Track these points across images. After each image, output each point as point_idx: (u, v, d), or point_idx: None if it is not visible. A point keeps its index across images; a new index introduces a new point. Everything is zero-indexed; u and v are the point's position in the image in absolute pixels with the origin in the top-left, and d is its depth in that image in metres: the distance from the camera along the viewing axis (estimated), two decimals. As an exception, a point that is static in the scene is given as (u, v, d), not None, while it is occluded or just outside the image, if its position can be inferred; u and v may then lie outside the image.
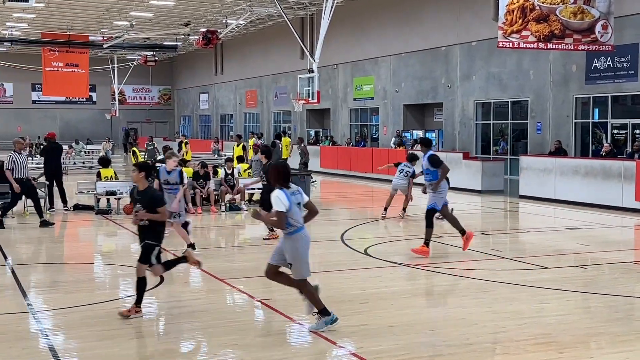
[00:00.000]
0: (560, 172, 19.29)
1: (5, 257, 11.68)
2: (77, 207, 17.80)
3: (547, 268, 10.63)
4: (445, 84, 29.18)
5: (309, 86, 23.35)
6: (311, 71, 23.21)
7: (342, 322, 7.59)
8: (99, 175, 18.50)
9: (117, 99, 51.58)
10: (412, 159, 16.74)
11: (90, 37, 41.40)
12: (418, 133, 30.79)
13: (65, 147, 33.96)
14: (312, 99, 23.24)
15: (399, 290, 9.23)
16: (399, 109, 32.17)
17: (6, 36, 40.28)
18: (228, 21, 36.79)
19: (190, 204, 17.12)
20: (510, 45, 19.47)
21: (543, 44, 19.32)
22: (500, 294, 9.02)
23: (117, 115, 51.82)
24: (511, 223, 17.55)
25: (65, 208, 17.59)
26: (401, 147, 28.57)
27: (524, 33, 18.99)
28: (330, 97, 37.01)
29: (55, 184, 17.69)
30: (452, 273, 10.27)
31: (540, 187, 19.79)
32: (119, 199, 17.29)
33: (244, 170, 19.70)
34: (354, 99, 35.69)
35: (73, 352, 6.84)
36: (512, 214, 18.69)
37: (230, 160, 20.09)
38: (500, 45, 19.38)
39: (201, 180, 17.80)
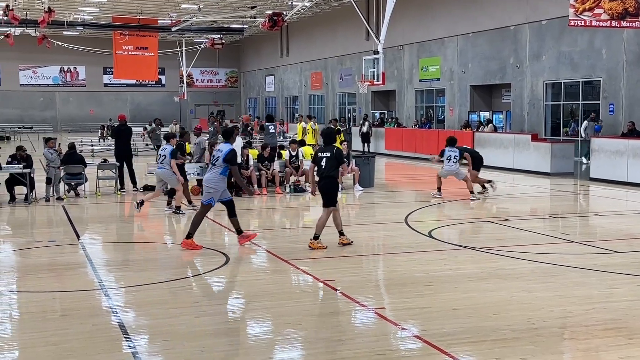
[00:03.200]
0: (633, 154, 18.68)
1: (78, 236, 12.06)
2: (147, 188, 18.20)
3: (617, 252, 10.34)
4: (514, 64, 28.56)
5: (374, 68, 23.21)
6: (376, 52, 23.05)
7: (405, 304, 7.58)
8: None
9: (185, 81, 52.38)
10: (452, 142, 16.58)
11: (159, 21, 42.11)
12: (485, 114, 30.28)
13: (139, 129, 34.81)
14: (377, 81, 23.09)
15: (464, 273, 9.13)
16: (466, 90, 31.68)
17: (78, 20, 41.35)
18: (294, 3, 36.83)
19: (255, 186, 17.39)
20: (582, 24, 18.92)
21: (616, 22, 18.70)
22: (569, 278, 8.82)
23: (186, 97, 52.68)
24: (581, 206, 17.12)
25: (135, 189, 18.02)
26: (467, 129, 28.16)
27: (596, 11, 18.42)
28: (395, 78, 36.72)
29: (125, 165, 18.14)
30: (518, 257, 10.09)
31: (612, 170, 19.22)
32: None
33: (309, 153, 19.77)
34: (420, 80, 35.31)
35: (142, 329, 7.02)
36: (583, 197, 18.22)
37: (294, 142, 20.19)
38: (572, 23, 18.85)
39: (266, 162, 17.96)
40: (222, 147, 10.76)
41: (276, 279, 9.16)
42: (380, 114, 39.06)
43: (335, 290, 8.30)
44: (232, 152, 10.65)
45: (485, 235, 12.20)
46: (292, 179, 18.25)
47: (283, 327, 6.96)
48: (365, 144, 31.64)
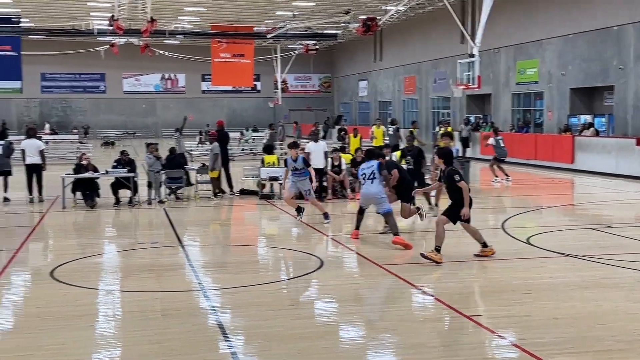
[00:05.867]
0: None
1: (179, 238, 12.43)
2: (243, 192, 18.59)
3: None
4: (617, 65, 27.47)
5: (469, 71, 22.91)
6: (472, 56, 22.73)
7: (503, 312, 7.42)
8: (262, 161, 19.21)
9: (279, 87, 53.16)
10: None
11: (255, 28, 42.92)
12: (586, 118, 29.27)
13: (236, 134, 35.65)
14: (473, 84, 22.77)
15: (564, 282, 8.85)
16: (565, 93, 30.70)
17: (179, 29, 42.69)
18: (387, 7, 36.77)
19: (348, 190, 17.45)
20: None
21: None
22: (677, 289, 8.41)
23: (280, 103, 53.43)
24: (690, 214, 16.28)
25: (232, 192, 18.41)
26: (568, 133, 27.31)
27: None
28: (491, 81, 36.01)
29: (222, 170, 18.56)
30: (622, 265, 9.70)
31: None
32: (281, 184, 17.84)
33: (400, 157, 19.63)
34: (517, 84, 34.48)
35: (240, 330, 7.16)
36: (692, 204, 17.31)
37: (388, 146, 20.10)
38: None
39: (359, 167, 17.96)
40: (370, 164, 11.89)
41: (370, 283, 9.15)
42: (476, 118, 38.41)
43: (431, 296, 8.21)
44: (381, 164, 11.91)
45: (586, 243, 11.77)
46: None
47: (378, 332, 6.94)
48: (465, 149, 31.15)
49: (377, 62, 52.13)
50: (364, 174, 11.91)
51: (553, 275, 9.21)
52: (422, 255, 9.87)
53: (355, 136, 23.87)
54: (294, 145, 14.30)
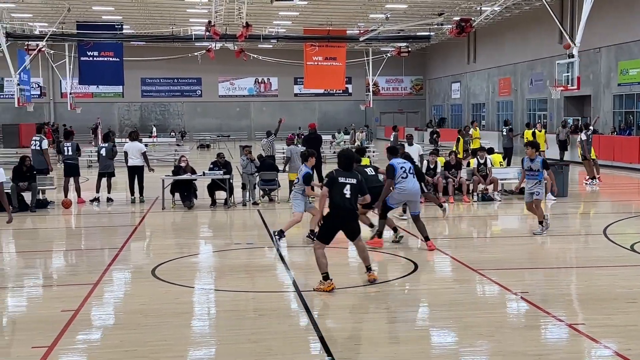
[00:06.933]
0: None
1: (273, 239, 12.58)
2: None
3: None
4: None
5: (568, 72, 22.19)
6: (571, 56, 22.02)
7: (606, 320, 7.15)
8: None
9: (371, 90, 53.14)
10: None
11: (347, 31, 43.07)
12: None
13: (328, 137, 35.91)
14: (572, 86, 22.04)
15: (672, 292, 8.45)
16: (671, 93, 29.34)
17: (273, 34, 43.34)
18: (482, 8, 36.13)
19: (440, 193, 17.25)
20: None
21: None
22: None
23: (371, 106, 53.40)
24: None
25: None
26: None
27: None
28: (591, 82, 34.80)
29: (315, 172, 18.68)
30: None
31: None
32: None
33: (499, 161, 19.30)
34: (619, 84, 33.18)
35: (335, 332, 7.19)
36: None
37: (482, 149, 19.76)
38: None
39: (453, 170, 17.76)
40: (402, 160, 11.55)
41: (465, 288, 9.00)
42: (574, 120, 37.21)
43: (529, 302, 8.01)
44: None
45: (695, 251, 11.21)
46: (480, 187, 17.88)
47: (475, 338, 6.83)
48: (563, 152, 30.27)
49: (470, 64, 51.32)
50: (404, 168, 11.28)
51: (659, 284, 8.82)
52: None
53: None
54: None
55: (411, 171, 11.37)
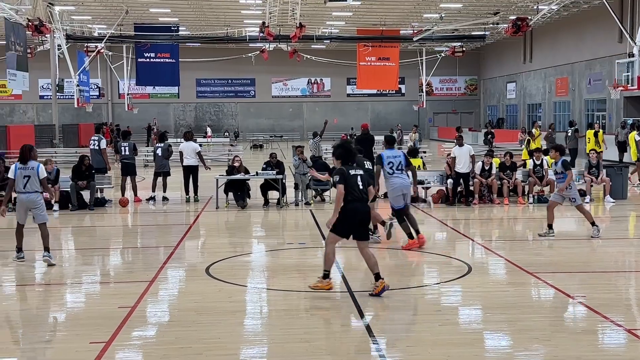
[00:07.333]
0: None
1: (324, 239, 12.59)
2: (387, 196, 18.54)
3: None
4: None
5: (628, 71, 21.68)
6: (631, 55, 21.50)
7: (667, 327, 6.96)
8: (408, 164, 19.10)
9: (424, 90, 52.78)
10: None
11: (401, 31, 42.89)
12: None
13: (380, 137, 35.76)
14: (632, 86, 21.54)
15: None
16: None
17: (326, 34, 43.47)
18: (539, 7, 35.54)
19: (495, 194, 17.04)
20: None
21: None
22: None
23: (424, 106, 53.04)
24: None
25: (377, 195, 18.43)
26: None
27: None
28: (652, 82, 33.87)
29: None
30: None
31: None
32: (426, 188, 17.70)
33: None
34: (681, 84, 32.21)
35: (387, 333, 7.15)
36: None
37: (538, 150, 19.42)
38: None
39: (508, 171, 17.51)
40: (397, 153, 11.97)
41: (520, 291, 8.86)
42: (635, 120, 36.24)
43: (587, 307, 7.84)
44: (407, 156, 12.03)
45: None
46: (536, 188, 17.59)
47: (530, 342, 6.71)
48: (622, 154, 29.53)
49: (526, 64, 50.53)
50: (392, 163, 11.64)
51: None
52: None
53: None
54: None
55: (400, 167, 11.66)
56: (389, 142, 12.25)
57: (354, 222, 8.47)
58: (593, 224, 12.26)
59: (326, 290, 8.53)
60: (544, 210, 16.33)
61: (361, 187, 8.53)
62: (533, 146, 23.30)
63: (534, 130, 26.94)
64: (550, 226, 12.44)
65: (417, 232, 11.63)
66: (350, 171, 8.56)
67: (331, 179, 10.79)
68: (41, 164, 11.02)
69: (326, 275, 8.60)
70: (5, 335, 7.40)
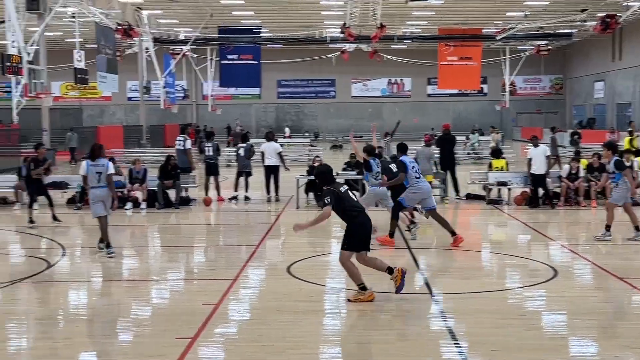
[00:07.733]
0: None
1: (405, 240, 12.53)
2: (469, 197, 18.32)
3: None
4: None
5: None
6: None
7: None
8: (490, 165, 18.79)
9: (507, 90, 51.71)
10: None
11: (483, 30, 42.17)
12: None
13: (462, 138, 35.26)
14: None
15: None
16: None
17: (407, 34, 43.19)
18: (630, 4, 34.27)
19: (581, 197, 16.55)
20: None
21: None
22: None
23: (507, 106, 51.97)
24: None
25: (457, 197, 18.22)
26: None
27: None
28: None
29: (449, 173, 18.43)
30: None
31: None
32: (510, 189, 17.34)
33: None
34: None
35: (470, 337, 7.03)
36: None
37: (628, 151, 18.71)
38: None
39: (596, 173, 16.97)
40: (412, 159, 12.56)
41: (609, 297, 8.58)
42: None
43: (680, 315, 7.53)
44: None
45: None
46: (626, 191, 16.96)
47: (620, 350, 6.49)
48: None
49: (615, 62, 48.81)
50: (414, 167, 12.14)
51: None
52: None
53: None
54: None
55: (419, 171, 12.23)
56: (403, 150, 12.86)
57: (366, 234, 8.53)
58: (637, 228, 11.90)
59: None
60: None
61: (355, 199, 8.69)
62: (627, 145, 22.44)
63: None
64: (636, 228, 12.01)
65: (453, 233, 11.83)
66: (340, 189, 8.61)
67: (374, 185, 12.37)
68: (110, 161, 11.49)
69: (363, 288, 8.47)
70: (95, 329, 7.69)
